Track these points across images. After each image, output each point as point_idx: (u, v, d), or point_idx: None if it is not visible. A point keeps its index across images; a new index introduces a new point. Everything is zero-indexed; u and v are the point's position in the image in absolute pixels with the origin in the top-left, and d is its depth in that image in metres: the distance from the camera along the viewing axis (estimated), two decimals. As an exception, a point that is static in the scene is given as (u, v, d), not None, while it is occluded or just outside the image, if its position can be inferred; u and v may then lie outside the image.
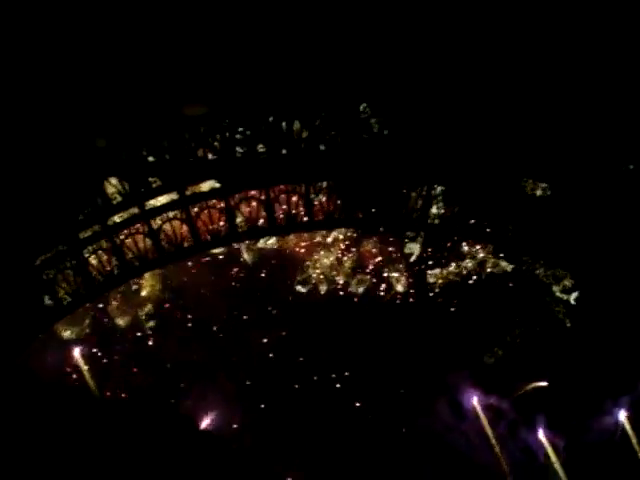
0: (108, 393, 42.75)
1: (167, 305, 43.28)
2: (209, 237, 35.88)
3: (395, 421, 42.68)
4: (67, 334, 41.61)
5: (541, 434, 42.07)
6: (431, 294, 42.87)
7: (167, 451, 40.92)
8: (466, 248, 42.60)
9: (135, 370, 43.23)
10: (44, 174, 33.52)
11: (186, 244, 35.74)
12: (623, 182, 34.55)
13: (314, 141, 34.51)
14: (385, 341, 42.56)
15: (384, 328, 42.58)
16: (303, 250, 43.27)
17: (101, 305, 42.00)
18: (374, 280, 43.23)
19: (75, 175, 33.77)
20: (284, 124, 34.48)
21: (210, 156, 34.61)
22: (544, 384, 41.98)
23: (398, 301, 43.14)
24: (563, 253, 35.46)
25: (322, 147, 34.78)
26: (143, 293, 43.36)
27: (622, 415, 41.92)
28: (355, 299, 43.34)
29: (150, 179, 34.26)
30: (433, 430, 41.70)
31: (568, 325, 42.16)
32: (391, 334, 42.56)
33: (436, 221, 35.97)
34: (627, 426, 41.92)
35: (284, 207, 35.38)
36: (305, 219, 36.04)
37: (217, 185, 35.28)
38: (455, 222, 36.02)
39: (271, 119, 34.62)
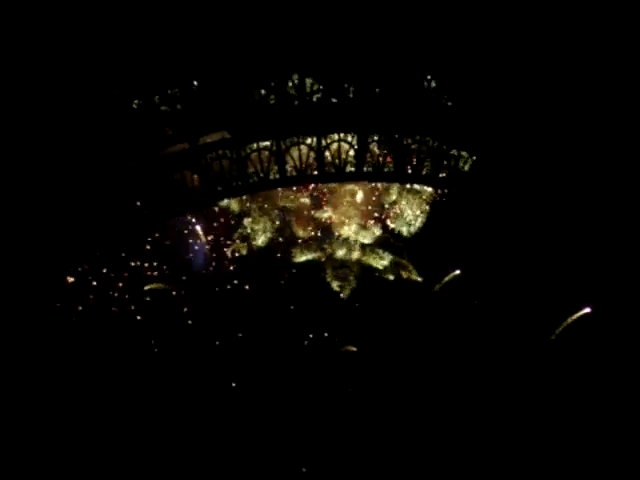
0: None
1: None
2: (220, 187, 36.12)
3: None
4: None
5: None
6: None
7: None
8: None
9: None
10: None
11: (197, 194, 36.08)
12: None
13: (327, 95, 34.53)
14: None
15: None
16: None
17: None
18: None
19: (86, 125, 33.95)
20: (296, 77, 34.55)
21: (222, 106, 34.69)
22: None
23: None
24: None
25: (334, 100, 34.90)
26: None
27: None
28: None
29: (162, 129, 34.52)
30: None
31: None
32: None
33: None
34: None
35: (296, 159, 35.58)
36: (316, 172, 36.35)
37: (228, 136, 35.61)
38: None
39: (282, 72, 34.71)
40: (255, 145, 35.44)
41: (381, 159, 35.61)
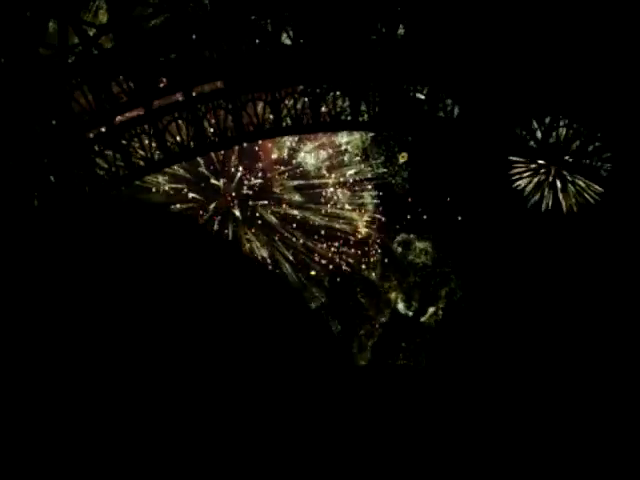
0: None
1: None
2: (215, 138, 36.02)
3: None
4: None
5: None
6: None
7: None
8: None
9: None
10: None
11: (192, 145, 35.98)
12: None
13: (323, 42, 34.18)
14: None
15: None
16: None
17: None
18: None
19: (81, 75, 33.38)
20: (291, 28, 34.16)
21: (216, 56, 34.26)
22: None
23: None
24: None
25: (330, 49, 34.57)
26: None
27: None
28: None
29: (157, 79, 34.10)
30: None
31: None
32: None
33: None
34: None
35: (291, 108, 35.49)
36: (310, 121, 36.30)
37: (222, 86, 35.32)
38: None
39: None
40: (250, 96, 35.26)
41: (377, 109, 35.68)
